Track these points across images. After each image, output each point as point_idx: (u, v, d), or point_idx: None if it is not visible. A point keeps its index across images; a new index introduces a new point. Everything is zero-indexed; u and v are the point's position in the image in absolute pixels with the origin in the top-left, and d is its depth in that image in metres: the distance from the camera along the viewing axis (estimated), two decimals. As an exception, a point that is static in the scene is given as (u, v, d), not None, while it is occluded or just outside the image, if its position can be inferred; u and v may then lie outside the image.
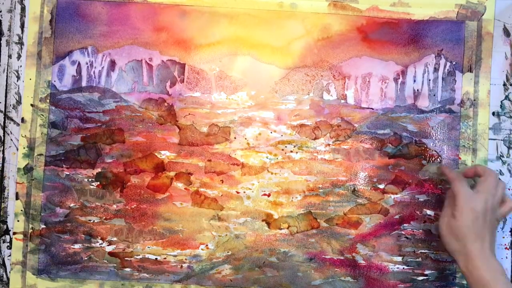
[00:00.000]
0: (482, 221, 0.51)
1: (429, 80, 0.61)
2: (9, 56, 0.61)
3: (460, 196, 0.52)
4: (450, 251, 0.54)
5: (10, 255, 0.59)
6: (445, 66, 0.61)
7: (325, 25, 0.60)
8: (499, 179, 0.56)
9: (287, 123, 0.60)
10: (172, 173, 0.60)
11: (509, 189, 0.60)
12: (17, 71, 0.61)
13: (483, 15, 0.60)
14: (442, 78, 0.61)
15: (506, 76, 0.61)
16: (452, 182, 0.54)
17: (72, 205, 0.60)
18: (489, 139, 0.60)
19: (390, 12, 0.60)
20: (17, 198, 0.60)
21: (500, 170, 0.60)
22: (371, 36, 0.60)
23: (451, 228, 0.53)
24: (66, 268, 0.59)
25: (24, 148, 0.60)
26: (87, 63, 0.60)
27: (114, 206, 0.60)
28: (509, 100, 0.61)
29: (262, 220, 0.59)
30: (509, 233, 0.60)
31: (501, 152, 0.61)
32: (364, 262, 0.59)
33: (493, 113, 0.61)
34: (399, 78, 0.61)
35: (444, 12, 0.61)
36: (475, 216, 0.51)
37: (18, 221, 0.60)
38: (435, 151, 0.60)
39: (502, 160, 0.61)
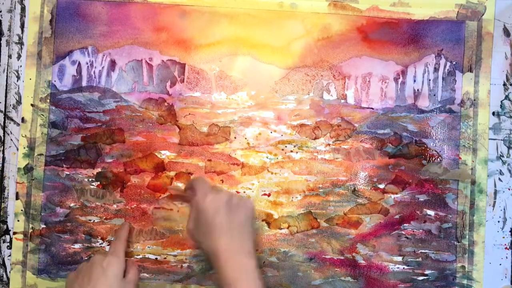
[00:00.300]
0: (224, 214, 0.49)
1: (429, 80, 0.61)
2: (9, 56, 0.61)
3: (198, 196, 0.51)
4: (203, 252, 0.51)
5: (10, 255, 0.60)
6: (445, 66, 0.61)
7: (325, 25, 0.61)
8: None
9: (287, 123, 0.60)
10: (172, 173, 0.60)
11: (509, 189, 0.61)
12: (17, 71, 0.61)
13: (483, 15, 0.61)
14: (442, 78, 0.61)
15: (506, 76, 0.61)
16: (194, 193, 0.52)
17: (72, 205, 0.60)
18: (489, 139, 0.61)
19: (390, 12, 0.61)
20: (17, 198, 0.60)
21: (500, 170, 0.61)
22: (371, 36, 0.61)
23: (192, 231, 0.51)
24: (66, 268, 0.60)
25: (24, 148, 0.60)
26: (87, 63, 0.61)
27: (114, 206, 0.60)
28: (509, 100, 0.61)
29: (262, 220, 0.60)
30: (509, 233, 0.60)
31: (501, 152, 0.61)
32: (364, 262, 0.60)
33: (493, 113, 0.61)
34: (399, 78, 0.61)
35: (444, 12, 0.61)
36: (215, 210, 0.50)
37: (18, 221, 0.60)
38: (435, 151, 0.60)
39: (502, 160, 0.61)
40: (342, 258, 0.60)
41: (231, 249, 0.48)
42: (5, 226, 0.60)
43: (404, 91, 0.61)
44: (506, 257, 0.60)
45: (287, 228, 0.60)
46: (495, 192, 0.61)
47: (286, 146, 0.60)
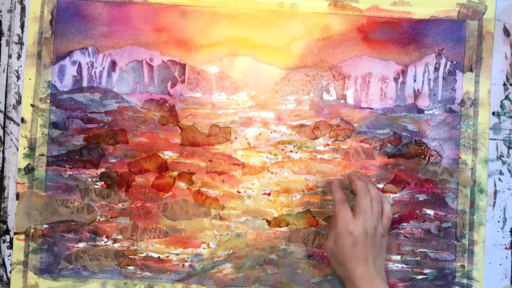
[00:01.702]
0: (362, 245, 0.54)
1: (430, 79, 0.65)
2: (9, 56, 0.66)
3: (339, 222, 0.56)
4: (337, 276, 0.58)
5: (10, 255, 0.64)
6: (445, 66, 0.65)
7: (326, 25, 0.66)
8: (374, 193, 0.58)
9: (287, 123, 0.65)
10: (175, 173, 0.65)
11: (509, 189, 0.66)
12: (17, 71, 0.65)
13: (483, 14, 0.65)
14: (443, 78, 0.65)
15: (506, 76, 0.66)
16: (335, 204, 0.58)
17: (76, 204, 0.65)
18: (489, 139, 0.65)
19: (391, 12, 0.65)
20: (17, 198, 0.64)
21: (500, 170, 0.65)
22: (371, 35, 0.65)
23: (333, 253, 0.57)
24: (68, 267, 0.65)
25: (24, 148, 0.65)
26: (87, 64, 0.65)
27: (120, 205, 0.65)
28: (509, 100, 0.66)
29: (263, 219, 0.65)
30: (509, 233, 0.65)
31: (501, 152, 0.66)
32: None
33: (493, 113, 0.65)
34: (399, 78, 0.66)
35: (445, 11, 0.65)
36: (353, 240, 0.54)
37: (20, 221, 0.64)
38: (435, 150, 0.65)
39: (502, 160, 0.66)
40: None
41: (367, 277, 0.54)
42: (5, 226, 0.65)
43: (404, 91, 0.66)
44: (506, 257, 0.65)
45: (287, 226, 0.65)
46: (495, 192, 0.65)
47: (286, 146, 0.66)
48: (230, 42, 0.65)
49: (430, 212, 0.65)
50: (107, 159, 0.65)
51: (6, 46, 0.66)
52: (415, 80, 0.66)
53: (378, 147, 0.66)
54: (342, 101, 0.66)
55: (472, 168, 0.65)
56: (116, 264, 0.65)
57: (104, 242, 0.65)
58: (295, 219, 0.65)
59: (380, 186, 0.66)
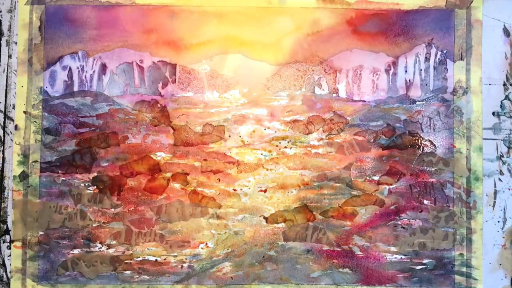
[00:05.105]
0: None
1: (421, 69, 0.65)
2: (9, 56, 0.64)
3: None
4: None
5: (10, 255, 0.63)
6: (436, 55, 0.65)
7: (315, 20, 0.65)
8: None
9: (280, 119, 0.64)
10: (168, 174, 0.64)
11: (509, 189, 0.64)
12: (16, 71, 0.64)
13: (471, 2, 0.64)
14: (434, 67, 0.65)
15: (506, 76, 0.64)
16: None
17: (69, 210, 0.64)
18: (489, 139, 0.64)
19: (379, 4, 0.64)
20: (13, 206, 0.63)
21: (500, 170, 0.64)
22: (360, 28, 0.64)
23: None
24: (66, 274, 0.63)
25: (18, 155, 0.63)
26: (78, 68, 0.64)
27: (112, 209, 0.63)
28: (509, 100, 0.64)
29: (260, 216, 0.64)
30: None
31: (501, 152, 0.64)
32: (361, 253, 0.64)
33: (493, 113, 0.64)
34: (390, 69, 0.65)
35: (433, 1, 0.64)
36: None
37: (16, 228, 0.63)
38: (429, 140, 0.65)
39: (502, 160, 0.64)
40: (339, 249, 0.64)
41: None
42: (5, 226, 0.63)
43: (396, 82, 0.65)
44: (506, 257, 0.64)
45: (284, 222, 0.64)
46: (495, 192, 0.64)
47: (280, 142, 0.64)
48: (220, 40, 0.64)
49: (427, 202, 0.64)
50: (99, 163, 0.64)
51: (6, 46, 0.64)
52: (406, 71, 0.65)
53: (372, 139, 0.65)
54: (334, 94, 0.65)
55: (466, 157, 0.64)
56: (112, 270, 0.63)
57: (99, 248, 0.64)
58: (292, 215, 0.64)
59: (376, 178, 0.64)
